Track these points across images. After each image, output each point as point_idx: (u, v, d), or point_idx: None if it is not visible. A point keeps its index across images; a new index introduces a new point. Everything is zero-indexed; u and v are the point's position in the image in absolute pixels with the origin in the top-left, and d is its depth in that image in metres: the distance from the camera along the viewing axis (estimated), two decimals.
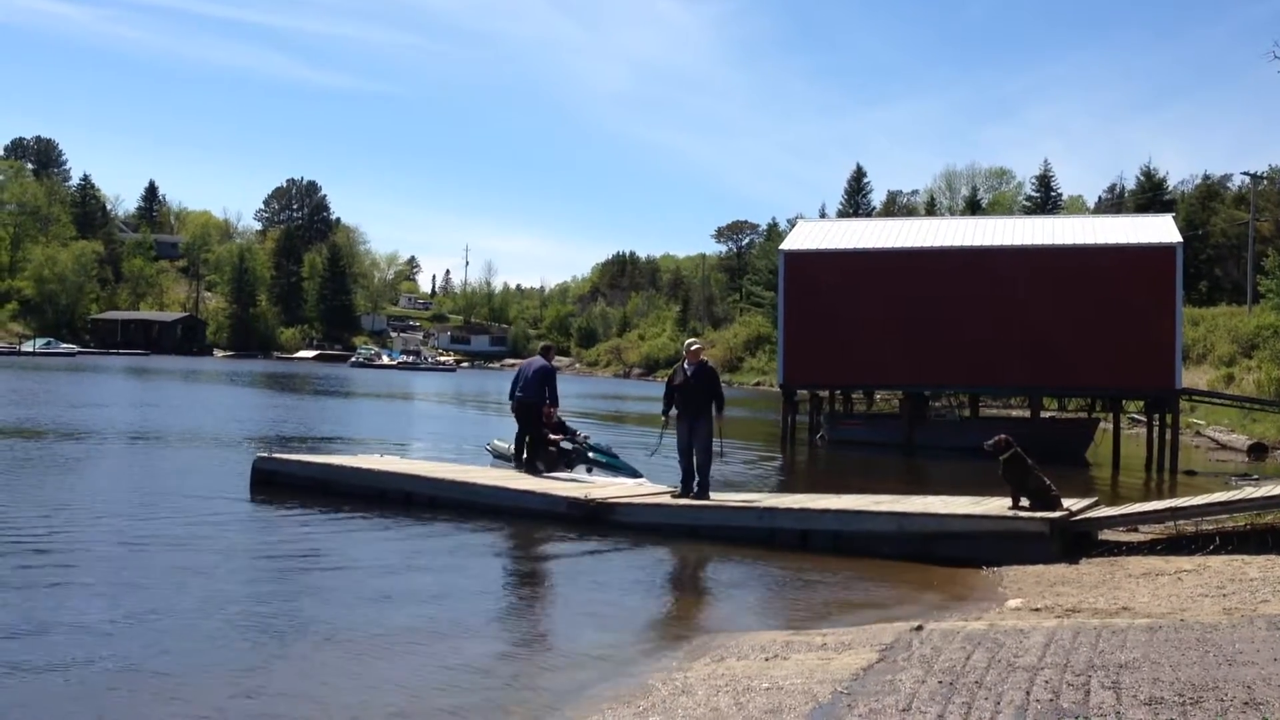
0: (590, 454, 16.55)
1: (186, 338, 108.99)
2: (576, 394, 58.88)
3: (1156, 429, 26.79)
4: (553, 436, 16.16)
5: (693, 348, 13.51)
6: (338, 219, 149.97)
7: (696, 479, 13.13)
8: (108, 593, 8.61)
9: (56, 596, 8.43)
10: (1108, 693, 5.35)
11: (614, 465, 16.56)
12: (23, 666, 6.59)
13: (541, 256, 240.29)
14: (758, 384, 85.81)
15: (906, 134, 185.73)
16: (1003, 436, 12.17)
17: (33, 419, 26.07)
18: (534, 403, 15.20)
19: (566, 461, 16.16)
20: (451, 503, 13.56)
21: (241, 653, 7.13)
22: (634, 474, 16.25)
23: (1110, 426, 28.50)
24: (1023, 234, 28.33)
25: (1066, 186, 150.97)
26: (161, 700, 6.14)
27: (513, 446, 16.22)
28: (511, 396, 15.49)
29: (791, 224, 41.26)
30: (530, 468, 15.20)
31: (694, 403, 13.15)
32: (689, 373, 13.21)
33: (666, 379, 13.88)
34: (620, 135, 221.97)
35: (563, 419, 17.01)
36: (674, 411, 13.43)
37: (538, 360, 15.57)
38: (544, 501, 13.18)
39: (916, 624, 7.58)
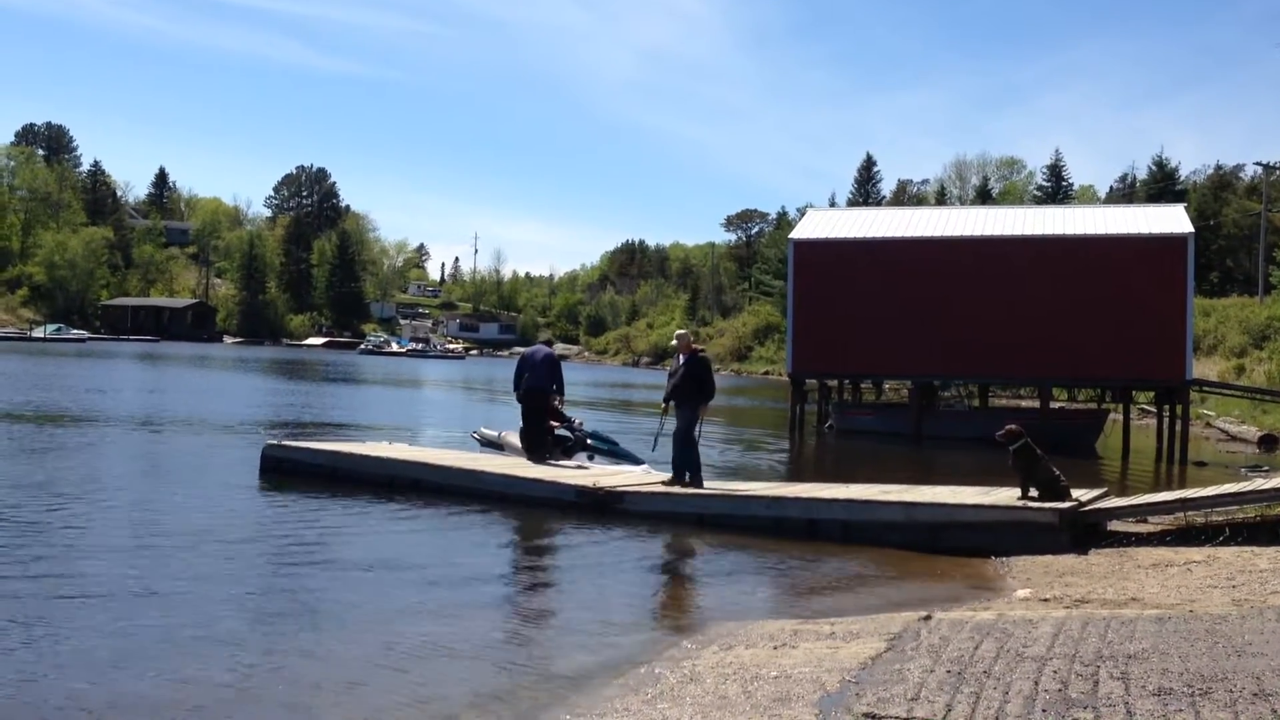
0: (590, 441, 16.53)
1: (196, 324, 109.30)
2: (585, 382, 58.97)
3: (1167, 420, 26.72)
4: (550, 423, 16.18)
5: (681, 339, 13.70)
6: (347, 206, 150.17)
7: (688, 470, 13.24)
8: (115, 579, 8.64)
9: (64, 582, 8.45)
10: (1116, 683, 5.35)
11: (615, 453, 16.53)
12: (30, 651, 6.63)
13: (550, 244, 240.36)
14: (766, 373, 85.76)
15: (917, 122, 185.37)
16: (1013, 426, 12.15)
17: (44, 404, 26.19)
18: (544, 390, 15.26)
19: (565, 449, 16.16)
20: (459, 490, 13.58)
21: (247, 638, 7.16)
22: (636, 461, 16.23)
23: (1120, 417, 28.43)
24: (1033, 224, 28.23)
25: (1078, 176, 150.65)
26: (171, 684, 6.17)
27: (510, 435, 16.41)
28: (517, 385, 15.52)
29: (801, 213, 41.14)
30: (538, 456, 15.24)
31: (688, 393, 13.32)
32: (682, 363, 13.39)
33: (670, 370, 13.98)
34: (630, 123, 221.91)
35: (558, 406, 17.03)
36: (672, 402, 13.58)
37: (543, 349, 15.67)
38: (552, 490, 13.19)
39: (925, 613, 7.58)
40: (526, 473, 13.91)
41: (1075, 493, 11.95)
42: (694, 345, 13.58)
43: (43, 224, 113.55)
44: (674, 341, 13.83)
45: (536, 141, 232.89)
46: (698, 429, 13.39)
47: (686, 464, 13.25)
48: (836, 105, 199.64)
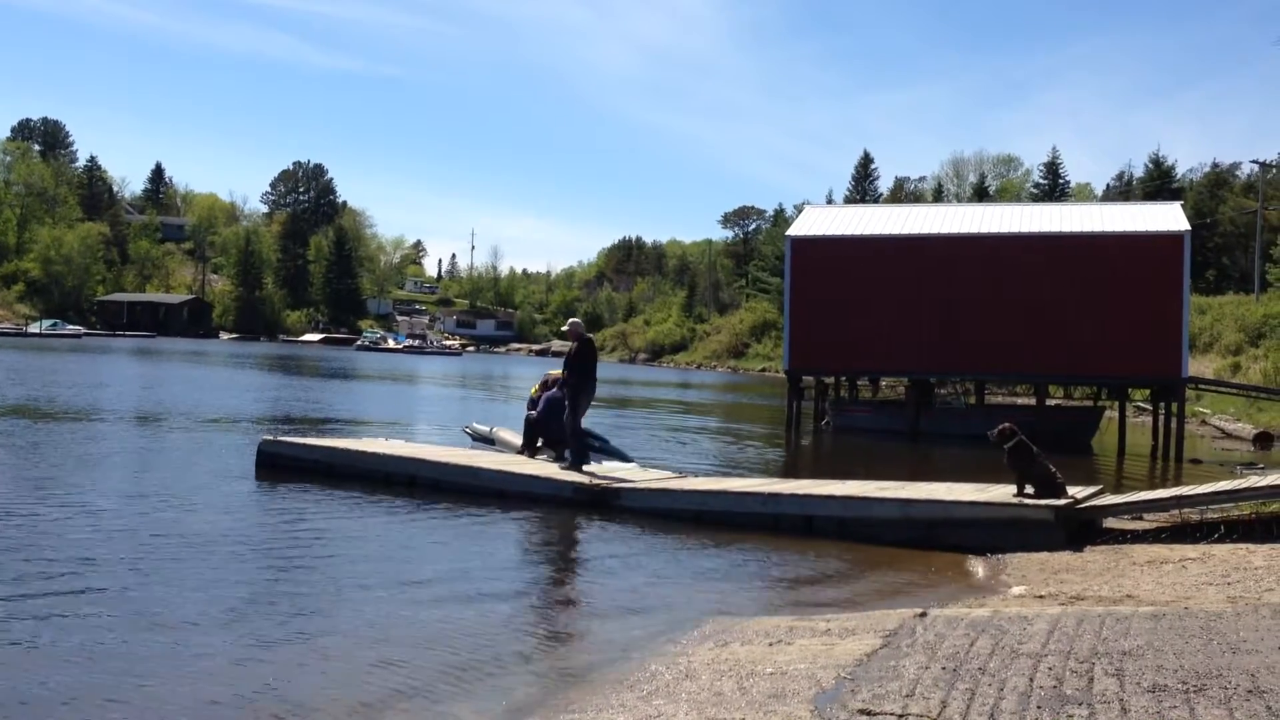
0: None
1: (192, 320, 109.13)
2: None
3: (1162, 417, 26.74)
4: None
5: (574, 326, 14.53)
6: (344, 202, 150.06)
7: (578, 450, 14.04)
8: (112, 577, 8.63)
9: (60, 580, 8.45)
10: (1111, 680, 5.36)
11: (605, 450, 16.50)
12: (29, 649, 6.63)
13: (548, 241, 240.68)
14: (763, 370, 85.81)
15: (915, 120, 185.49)
16: (1007, 425, 12.15)
17: (39, 400, 26.15)
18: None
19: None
20: (456, 487, 13.59)
21: (243, 635, 7.15)
22: (624, 458, 16.21)
23: (1116, 415, 28.45)
24: (1030, 221, 28.23)
25: (1074, 174, 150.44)
26: (168, 683, 6.17)
27: (502, 431, 16.82)
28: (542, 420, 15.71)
29: (798, 210, 41.16)
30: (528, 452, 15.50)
31: (586, 376, 14.14)
32: (576, 350, 14.15)
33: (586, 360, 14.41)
34: (628, 119, 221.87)
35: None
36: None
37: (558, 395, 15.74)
38: (549, 486, 13.20)
39: (920, 610, 7.59)
40: (524, 469, 13.92)
41: (1071, 490, 11.97)
42: (579, 333, 14.34)
43: (39, 219, 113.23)
44: (566, 328, 14.77)
45: (534, 138, 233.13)
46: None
47: (582, 444, 14.01)
48: (834, 102, 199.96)
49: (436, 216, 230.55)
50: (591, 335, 14.65)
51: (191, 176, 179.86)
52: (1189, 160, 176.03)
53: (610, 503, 12.69)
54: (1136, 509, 12.19)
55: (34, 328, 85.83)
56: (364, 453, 14.96)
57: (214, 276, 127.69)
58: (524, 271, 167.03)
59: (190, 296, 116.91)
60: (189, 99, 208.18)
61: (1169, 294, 25.39)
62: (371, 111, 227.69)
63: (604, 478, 13.36)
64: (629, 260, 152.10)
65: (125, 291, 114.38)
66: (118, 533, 10.39)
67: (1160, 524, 12.02)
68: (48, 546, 9.57)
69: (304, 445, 15.59)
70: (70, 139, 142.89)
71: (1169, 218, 27.05)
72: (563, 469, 13.81)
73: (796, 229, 29.62)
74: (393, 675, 6.40)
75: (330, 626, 7.44)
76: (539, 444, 15.51)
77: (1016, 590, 9.05)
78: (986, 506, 11.56)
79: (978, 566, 10.47)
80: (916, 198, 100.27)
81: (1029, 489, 11.71)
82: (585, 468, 14.20)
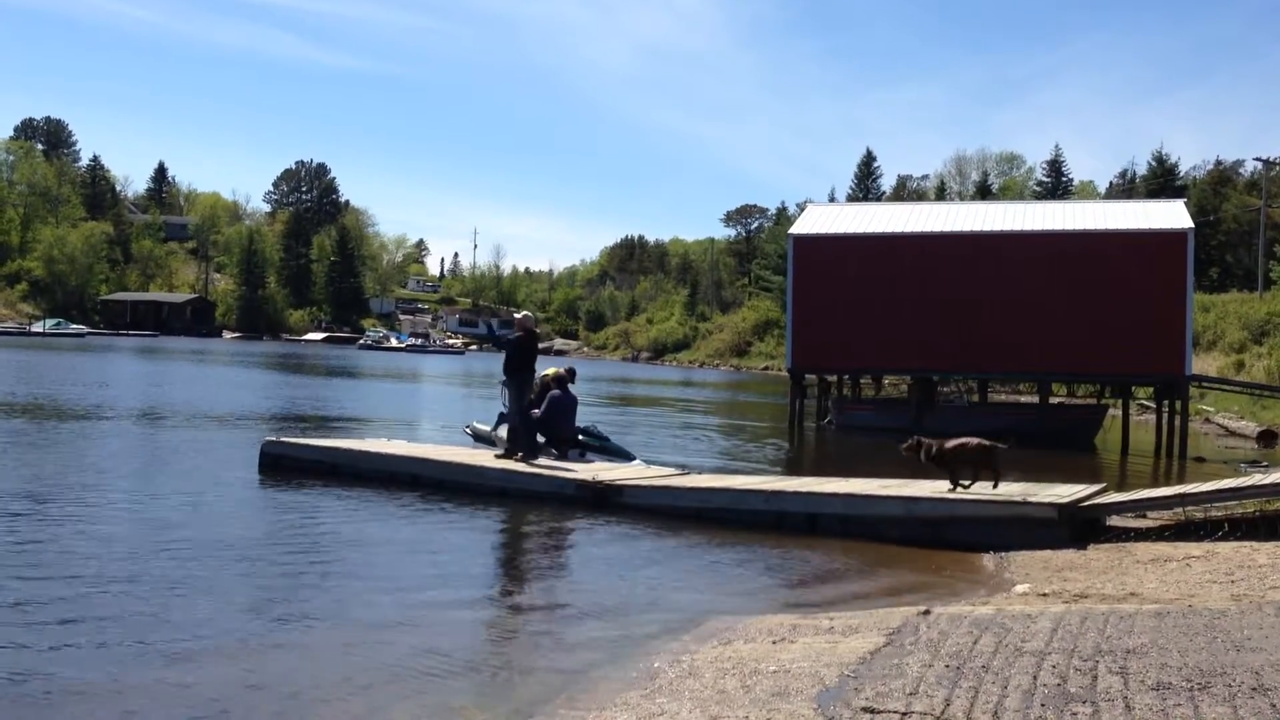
0: (582, 437, 16.47)
1: (195, 319, 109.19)
2: (584, 377, 58.90)
3: (1166, 415, 26.71)
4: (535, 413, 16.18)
5: (520, 321, 15.21)
6: (347, 201, 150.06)
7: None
8: (114, 575, 8.63)
9: (61, 577, 8.45)
10: (1115, 678, 5.35)
11: (607, 449, 16.47)
12: (37, 649, 6.63)
13: (550, 240, 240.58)
14: (766, 368, 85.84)
15: (917, 117, 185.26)
16: (906, 444, 12.53)
17: (43, 399, 26.17)
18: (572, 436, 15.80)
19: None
20: (459, 486, 13.59)
21: (246, 635, 7.16)
22: (627, 457, 16.19)
23: (1119, 413, 28.43)
24: (1033, 219, 28.22)
25: (1077, 172, 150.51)
26: (165, 682, 6.18)
27: (504, 431, 16.78)
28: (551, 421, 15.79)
29: (801, 208, 41.16)
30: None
31: (519, 366, 14.66)
32: (524, 343, 14.75)
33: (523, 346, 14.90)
34: (629, 118, 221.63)
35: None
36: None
37: (571, 395, 15.79)
38: (552, 484, 13.20)
39: (923, 608, 7.58)
40: (526, 467, 13.92)
41: (1075, 488, 11.98)
42: (528, 326, 14.94)
43: (42, 219, 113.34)
44: (518, 316, 15.53)
45: (536, 137, 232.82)
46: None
47: (532, 438, 14.47)
48: (835, 100, 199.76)
49: (439, 215, 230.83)
50: (537, 330, 15.27)
51: (194, 175, 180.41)
52: (1191, 158, 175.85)
53: (612, 500, 12.68)
54: (1140, 507, 12.18)
55: (38, 327, 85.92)
56: (366, 452, 14.96)
57: (217, 276, 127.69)
58: (526, 270, 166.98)
59: (193, 296, 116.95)
60: (191, 98, 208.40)
61: (1172, 292, 25.37)
62: (374, 110, 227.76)
63: (604, 476, 13.34)
64: (631, 259, 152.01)
65: (128, 291, 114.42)
66: (122, 533, 10.40)
67: (1164, 522, 12.00)
68: (53, 547, 9.58)
69: (307, 445, 15.60)
70: (73, 138, 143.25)
71: (1172, 215, 27.03)
72: (497, 457, 14.33)
73: (799, 227, 29.62)
74: (397, 675, 6.39)
75: (334, 627, 7.44)
76: (542, 442, 15.48)
77: (1020, 588, 9.04)
78: (990, 504, 11.55)
79: (981, 564, 10.46)
80: (919, 196, 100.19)
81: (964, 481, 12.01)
82: (583, 467, 14.20)
